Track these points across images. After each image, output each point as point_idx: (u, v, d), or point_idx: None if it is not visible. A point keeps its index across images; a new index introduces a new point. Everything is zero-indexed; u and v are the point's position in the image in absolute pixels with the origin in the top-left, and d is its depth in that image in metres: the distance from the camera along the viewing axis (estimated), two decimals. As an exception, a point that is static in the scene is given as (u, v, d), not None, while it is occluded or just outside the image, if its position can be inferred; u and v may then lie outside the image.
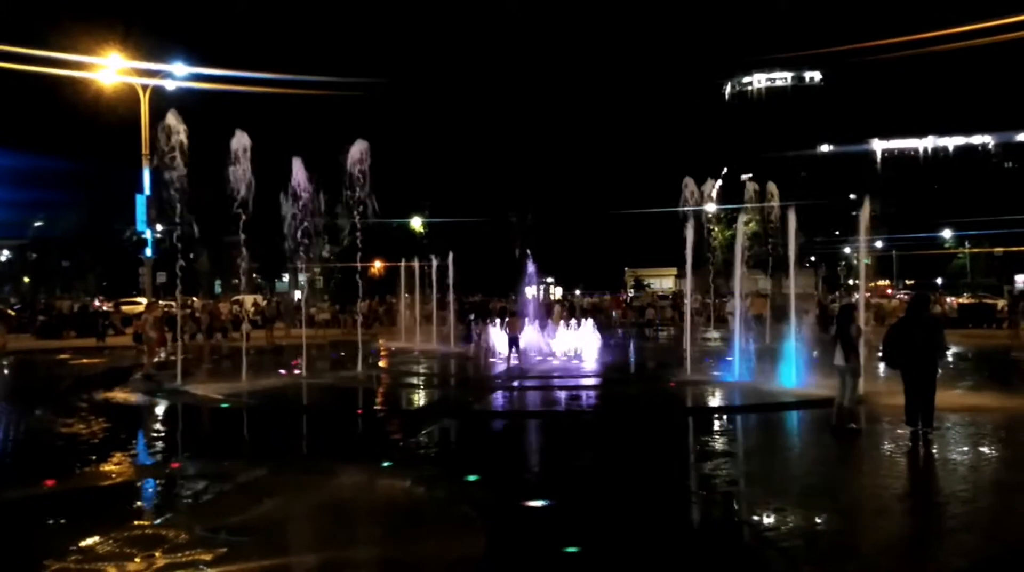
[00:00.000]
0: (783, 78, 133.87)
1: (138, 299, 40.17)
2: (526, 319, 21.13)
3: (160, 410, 14.02)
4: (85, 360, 23.54)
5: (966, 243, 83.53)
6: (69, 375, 19.75)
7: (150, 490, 8.25)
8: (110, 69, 30.16)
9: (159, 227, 30.59)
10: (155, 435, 11.77)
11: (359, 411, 13.66)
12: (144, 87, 30.33)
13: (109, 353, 25.41)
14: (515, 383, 17.13)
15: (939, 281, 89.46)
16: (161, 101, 32.77)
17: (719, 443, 10.68)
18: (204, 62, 40.64)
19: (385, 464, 8.91)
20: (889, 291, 61.26)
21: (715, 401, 14.47)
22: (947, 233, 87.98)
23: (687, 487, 8.11)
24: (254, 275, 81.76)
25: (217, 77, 36.59)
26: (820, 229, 72.55)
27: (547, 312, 27.24)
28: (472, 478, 8.17)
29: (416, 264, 30.82)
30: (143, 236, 31.20)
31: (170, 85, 31.64)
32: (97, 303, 45.25)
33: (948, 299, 45.49)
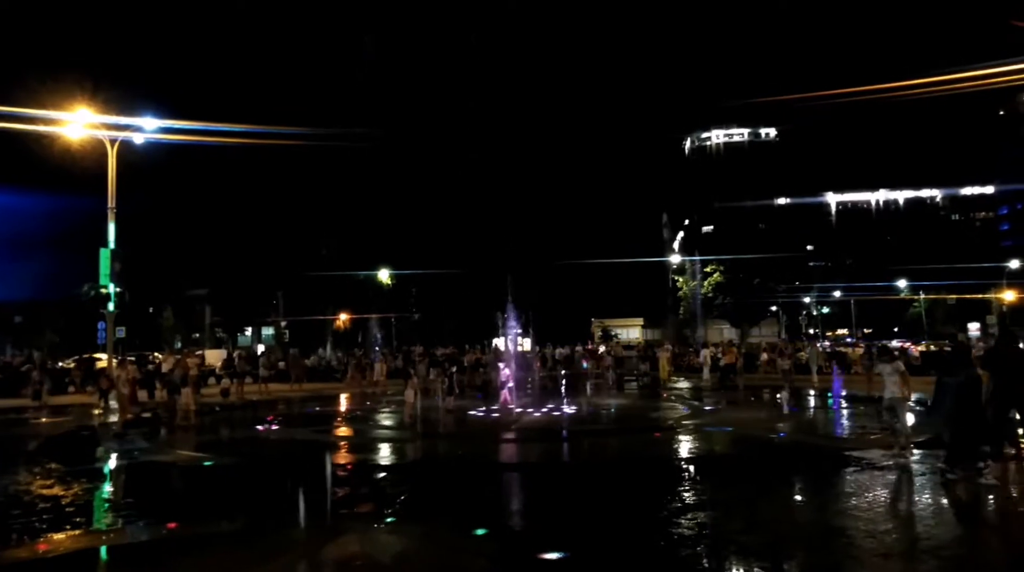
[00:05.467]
0: (740, 134, 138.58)
1: (97, 355, 38.96)
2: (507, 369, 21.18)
3: (137, 469, 13.49)
4: (44, 419, 22.61)
5: (920, 292, 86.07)
6: (35, 435, 18.94)
7: (145, 552, 7.89)
8: (77, 123, 29.85)
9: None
10: (137, 496, 11.32)
11: (349, 465, 13.34)
12: (112, 141, 30.08)
13: (71, 411, 24.47)
14: (502, 434, 16.99)
15: (895, 329, 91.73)
16: (129, 154, 32.66)
17: (716, 489, 10.66)
18: (174, 114, 40.33)
19: (389, 520, 8.70)
20: (858, 344, 62.23)
21: (705, 448, 14.59)
22: (902, 282, 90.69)
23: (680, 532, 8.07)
24: (216, 329, 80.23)
25: (187, 130, 36.39)
26: (780, 279, 74.12)
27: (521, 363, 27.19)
28: (480, 532, 8.02)
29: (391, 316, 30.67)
30: (105, 291, 30.36)
31: (138, 138, 31.46)
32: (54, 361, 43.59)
33: (909, 346, 46.67)
